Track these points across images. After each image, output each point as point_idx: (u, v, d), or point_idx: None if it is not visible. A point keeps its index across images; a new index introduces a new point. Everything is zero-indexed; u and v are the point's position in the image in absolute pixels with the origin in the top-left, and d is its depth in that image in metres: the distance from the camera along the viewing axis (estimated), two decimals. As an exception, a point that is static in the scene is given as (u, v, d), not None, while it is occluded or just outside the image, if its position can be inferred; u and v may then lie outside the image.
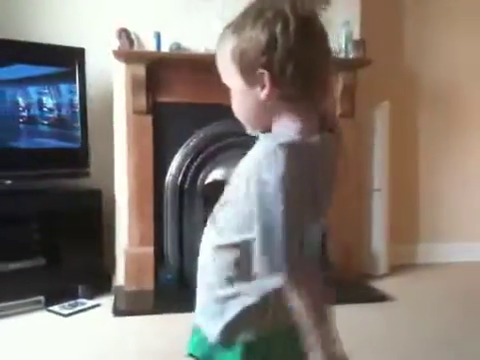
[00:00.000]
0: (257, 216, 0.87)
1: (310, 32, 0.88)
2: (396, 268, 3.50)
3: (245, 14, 0.91)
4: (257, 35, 0.87)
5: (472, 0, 3.72)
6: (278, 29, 0.86)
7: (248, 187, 0.87)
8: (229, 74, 0.94)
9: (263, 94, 0.90)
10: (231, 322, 0.96)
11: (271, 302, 0.95)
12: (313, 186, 0.90)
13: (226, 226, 0.96)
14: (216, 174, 3.10)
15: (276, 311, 0.97)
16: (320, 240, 1.02)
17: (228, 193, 0.98)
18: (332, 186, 1.01)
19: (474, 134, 3.83)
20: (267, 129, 0.96)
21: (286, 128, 0.92)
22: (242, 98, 0.94)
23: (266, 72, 0.88)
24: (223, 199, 0.99)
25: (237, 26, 0.91)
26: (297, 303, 0.88)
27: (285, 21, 0.86)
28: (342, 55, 3.15)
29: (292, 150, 0.85)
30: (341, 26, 3.12)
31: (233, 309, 0.96)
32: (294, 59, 0.86)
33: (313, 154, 0.91)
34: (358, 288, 3.17)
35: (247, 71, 0.90)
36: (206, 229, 1.03)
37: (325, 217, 1.02)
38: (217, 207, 1.01)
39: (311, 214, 0.92)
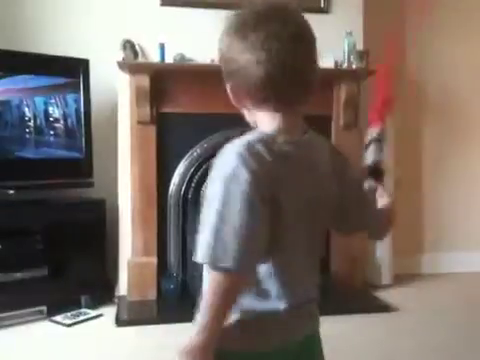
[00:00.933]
0: (204, 206, 0.88)
1: (241, 42, 0.90)
2: (400, 278, 3.48)
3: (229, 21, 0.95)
4: (226, 42, 0.93)
5: (474, 11, 3.73)
6: (221, 36, 0.92)
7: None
8: None
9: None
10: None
11: (259, 322, 0.92)
12: (280, 189, 0.88)
13: None
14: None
15: (269, 331, 0.93)
16: (309, 250, 0.98)
17: None
18: (324, 191, 0.98)
19: (478, 144, 3.82)
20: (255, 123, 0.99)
21: (263, 124, 0.94)
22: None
23: (230, 78, 0.93)
24: None
25: (222, 32, 0.96)
26: (205, 292, 0.87)
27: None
28: (345, 65, 3.16)
29: (252, 151, 0.86)
30: (344, 36, 3.13)
31: None
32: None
33: (288, 155, 0.91)
34: (362, 298, 3.16)
35: (223, 71, 0.96)
36: None
37: (318, 231, 1.00)
38: None
39: (279, 220, 0.89)
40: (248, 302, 0.92)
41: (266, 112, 0.94)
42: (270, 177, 0.86)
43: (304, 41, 0.91)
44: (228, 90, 0.96)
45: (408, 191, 3.68)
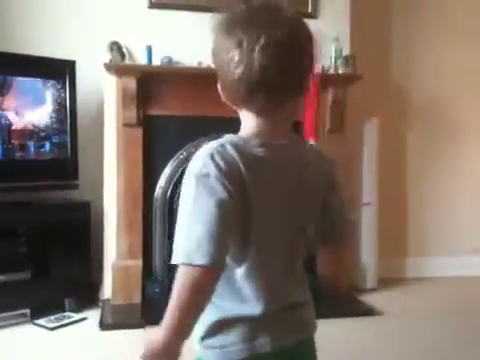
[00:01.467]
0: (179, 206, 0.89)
1: (266, 44, 0.87)
2: (385, 282, 3.50)
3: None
4: (217, 39, 0.93)
5: (459, 16, 3.78)
6: (214, 37, 0.92)
7: None
8: None
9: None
10: (201, 338, 0.94)
11: (237, 327, 0.91)
12: (250, 190, 0.88)
13: None
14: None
15: (249, 336, 0.91)
16: (289, 257, 0.97)
17: None
18: (303, 199, 0.97)
19: (461, 149, 3.86)
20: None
21: (244, 127, 0.95)
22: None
23: (219, 74, 0.93)
24: None
25: (213, 26, 0.95)
26: (175, 289, 0.86)
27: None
28: (332, 71, 3.18)
29: (223, 152, 0.87)
30: (331, 42, 3.16)
31: (200, 328, 0.93)
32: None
33: (261, 159, 0.91)
34: (347, 302, 3.17)
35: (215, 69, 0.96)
36: None
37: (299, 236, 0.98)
38: None
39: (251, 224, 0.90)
40: (225, 306, 0.91)
41: (249, 113, 0.94)
42: (239, 178, 0.87)
43: (295, 44, 0.90)
44: (218, 87, 0.96)
45: (392, 196, 3.71)
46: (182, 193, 0.88)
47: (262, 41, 0.87)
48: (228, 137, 0.92)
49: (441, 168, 3.83)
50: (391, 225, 3.65)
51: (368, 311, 2.99)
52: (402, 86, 3.73)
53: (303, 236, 1.00)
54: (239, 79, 0.89)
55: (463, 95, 3.83)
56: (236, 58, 0.88)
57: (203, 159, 0.87)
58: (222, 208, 0.84)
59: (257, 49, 0.87)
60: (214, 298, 0.90)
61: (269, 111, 0.93)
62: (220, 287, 0.90)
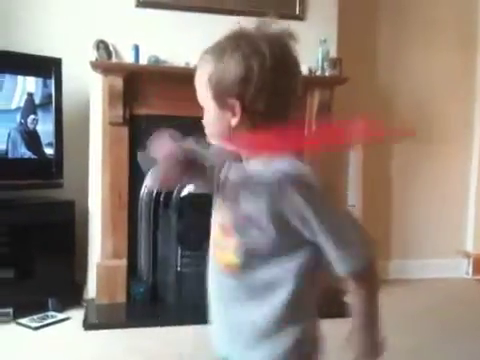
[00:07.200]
0: (318, 222, 0.95)
1: (284, 69, 0.95)
2: (368, 284, 3.52)
3: (224, 43, 0.96)
4: (234, 67, 0.93)
5: (444, 20, 3.83)
6: (255, 65, 0.92)
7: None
8: (204, 96, 1.00)
9: (234, 121, 0.96)
10: None
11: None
12: None
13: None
14: (191, 187, 3.09)
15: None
16: None
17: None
18: None
19: (445, 152, 3.91)
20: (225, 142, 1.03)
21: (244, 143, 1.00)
22: (214, 120, 1.01)
23: (238, 102, 0.94)
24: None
25: (216, 53, 0.96)
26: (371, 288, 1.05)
27: (262, 58, 0.92)
28: (319, 73, 3.19)
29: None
30: (318, 44, 3.17)
31: None
32: (266, 94, 0.93)
33: None
34: (331, 303, 3.18)
35: (220, 98, 0.96)
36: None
37: None
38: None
39: None
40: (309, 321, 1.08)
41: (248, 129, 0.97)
42: None
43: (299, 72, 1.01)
44: (235, 108, 0.96)
45: (377, 198, 3.74)
46: (318, 208, 0.95)
47: (271, 61, 0.93)
48: (295, 162, 0.97)
49: (425, 170, 3.87)
50: (375, 227, 3.66)
51: (352, 312, 3.01)
52: (388, 88, 3.76)
53: None
54: (266, 104, 0.94)
55: (448, 97, 3.87)
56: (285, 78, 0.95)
57: (313, 177, 0.95)
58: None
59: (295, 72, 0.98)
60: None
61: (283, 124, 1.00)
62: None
